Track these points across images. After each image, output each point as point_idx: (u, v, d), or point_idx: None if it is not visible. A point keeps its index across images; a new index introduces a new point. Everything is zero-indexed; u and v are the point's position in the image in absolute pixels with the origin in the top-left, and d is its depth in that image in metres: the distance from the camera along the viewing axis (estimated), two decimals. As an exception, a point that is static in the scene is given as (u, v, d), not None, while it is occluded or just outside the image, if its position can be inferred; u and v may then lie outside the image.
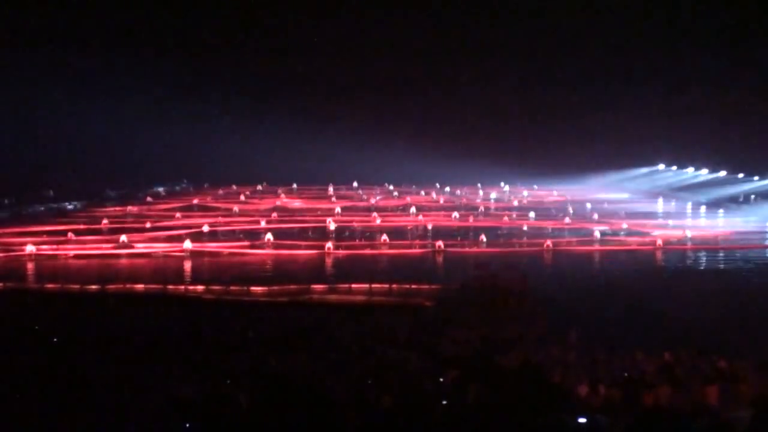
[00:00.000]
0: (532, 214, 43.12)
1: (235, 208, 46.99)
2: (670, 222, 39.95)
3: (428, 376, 11.99)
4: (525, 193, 55.17)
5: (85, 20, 58.19)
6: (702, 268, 30.78)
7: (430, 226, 36.86)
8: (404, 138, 59.38)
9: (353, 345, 15.43)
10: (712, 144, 53.13)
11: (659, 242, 33.87)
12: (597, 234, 35.56)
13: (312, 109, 62.54)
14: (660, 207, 49.66)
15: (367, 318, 19.79)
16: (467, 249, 33.35)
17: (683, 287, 25.99)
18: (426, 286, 23.87)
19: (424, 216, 42.30)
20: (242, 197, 51.84)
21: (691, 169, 57.17)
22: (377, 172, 56.34)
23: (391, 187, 55.73)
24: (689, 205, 48.92)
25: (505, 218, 41.76)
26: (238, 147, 58.70)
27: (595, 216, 42.03)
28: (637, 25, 58.57)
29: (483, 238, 34.28)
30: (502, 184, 56.95)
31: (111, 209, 46.58)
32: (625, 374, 12.82)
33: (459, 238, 35.51)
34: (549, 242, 33.56)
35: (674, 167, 59.38)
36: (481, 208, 46.50)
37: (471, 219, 39.32)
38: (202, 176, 57.27)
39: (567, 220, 40.79)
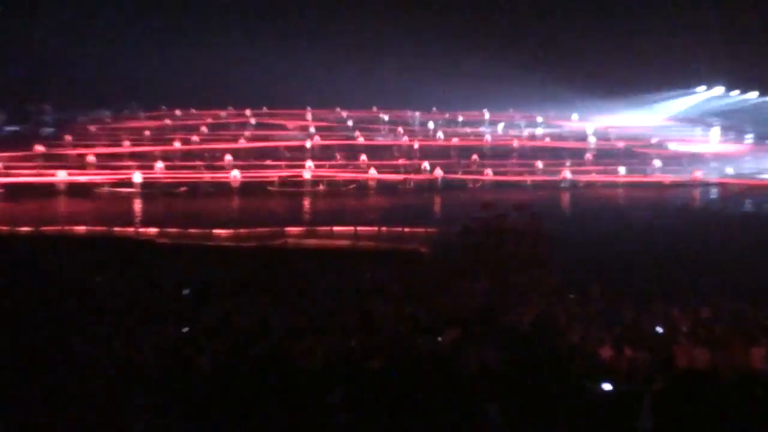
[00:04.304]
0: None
1: None
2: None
3: (424, 335, 11.81)
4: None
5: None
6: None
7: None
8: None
9: (335, 298, 15.19)
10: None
11: (692, 179, 33.80)
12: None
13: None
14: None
15: (352, 267, 19.55)
16: (470, 185, 33.00)
17: (706, 228, 25.91)
18: (421, 230, 23.62)
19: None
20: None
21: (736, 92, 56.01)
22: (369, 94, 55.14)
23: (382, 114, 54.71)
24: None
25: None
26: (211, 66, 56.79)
27: None
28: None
29: (489, 171, 33.92)
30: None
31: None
32: (654, 332, 12.71)
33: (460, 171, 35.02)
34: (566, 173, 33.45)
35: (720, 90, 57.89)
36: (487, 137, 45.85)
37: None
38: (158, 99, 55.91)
39: None
